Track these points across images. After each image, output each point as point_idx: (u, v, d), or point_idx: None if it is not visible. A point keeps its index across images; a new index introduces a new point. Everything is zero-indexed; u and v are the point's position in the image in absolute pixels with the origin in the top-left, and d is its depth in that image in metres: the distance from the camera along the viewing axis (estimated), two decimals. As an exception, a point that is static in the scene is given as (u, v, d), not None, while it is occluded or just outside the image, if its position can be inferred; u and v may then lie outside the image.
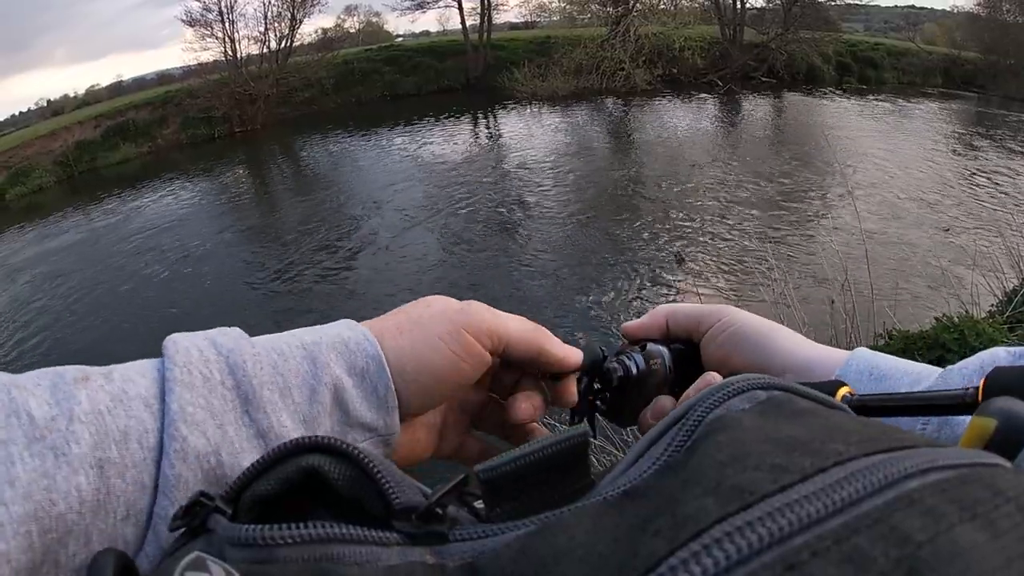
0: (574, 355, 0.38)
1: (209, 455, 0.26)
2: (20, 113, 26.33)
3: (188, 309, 6.91)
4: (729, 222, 7.78)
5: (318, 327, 0.34)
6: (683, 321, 0.46)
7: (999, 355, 0.35)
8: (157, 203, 11.88)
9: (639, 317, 0.48)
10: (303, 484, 0.23)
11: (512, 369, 0.39)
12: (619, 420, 0.43)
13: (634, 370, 0.42)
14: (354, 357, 0.32)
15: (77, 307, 7.38)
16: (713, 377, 0.38)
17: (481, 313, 0.35)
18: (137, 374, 0.28)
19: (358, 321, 0.35)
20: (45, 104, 26.19)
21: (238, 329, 0.32)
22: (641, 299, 5.92)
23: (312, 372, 0.30)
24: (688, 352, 0.45)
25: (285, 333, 0.33)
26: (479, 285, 6.50)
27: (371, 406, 0.32)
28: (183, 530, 0.22)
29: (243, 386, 0.28)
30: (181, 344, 0.29)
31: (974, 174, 9.92)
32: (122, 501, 0.24)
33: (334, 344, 0.32)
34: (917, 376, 0.37)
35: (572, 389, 0.40)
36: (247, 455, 0.27)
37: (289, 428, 0.29)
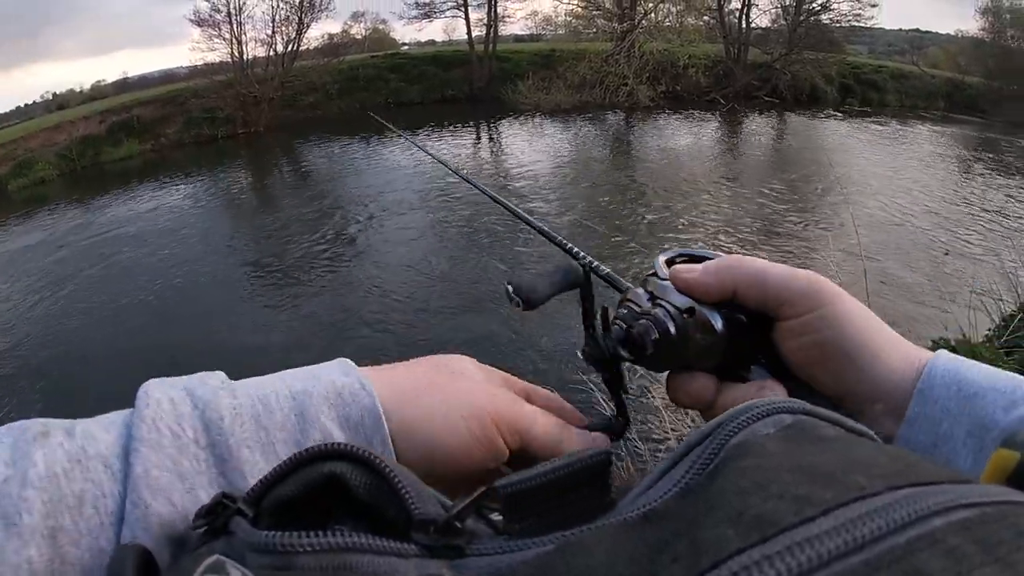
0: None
1: (176, 522, 0.25)
2: (26, 105, 26.35)
3: (179, 309, 6.90)
4: (728, 241, 7.82)
5: (311, 369, 0.32)
6: (759, 294, 0.35)
7: None
8: (158, 200, 11.90)
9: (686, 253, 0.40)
10: (324, 490, 0.23)
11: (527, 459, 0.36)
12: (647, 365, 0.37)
13: (672, 331, 0.35)
14: (348, 409, 0.30)
15: (67, 303, 7.36)
16: (771, 392, 0.35)
17: (511, 405, 0.34)
18: (101, 429, 0.26)
19: (363, 361, 0.33)
20: (51, 97, 26.23)
21: (221, 375, 0.30)
22: None
23: (299, 427, 0.29)
24: (753, 327, 0.36)
25: (273, 377, 0.31)
26: (472, 297, 6.48)
27: None
28: (205, 529, 0.22)
29: (219, 446, 0.27)
30: (153, 395, 0.27)
31: (974, 198, 9.98)
32: (78, 569, 0.23)
33: (326, 395, 0.30)
34: (1012, 397, 0.32)
35: None
36: None
37: None
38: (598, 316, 0.37)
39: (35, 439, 0.25)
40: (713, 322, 0.34)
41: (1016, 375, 0.34)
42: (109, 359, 5.86)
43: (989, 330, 3.42)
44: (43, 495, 0.23)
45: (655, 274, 0.38)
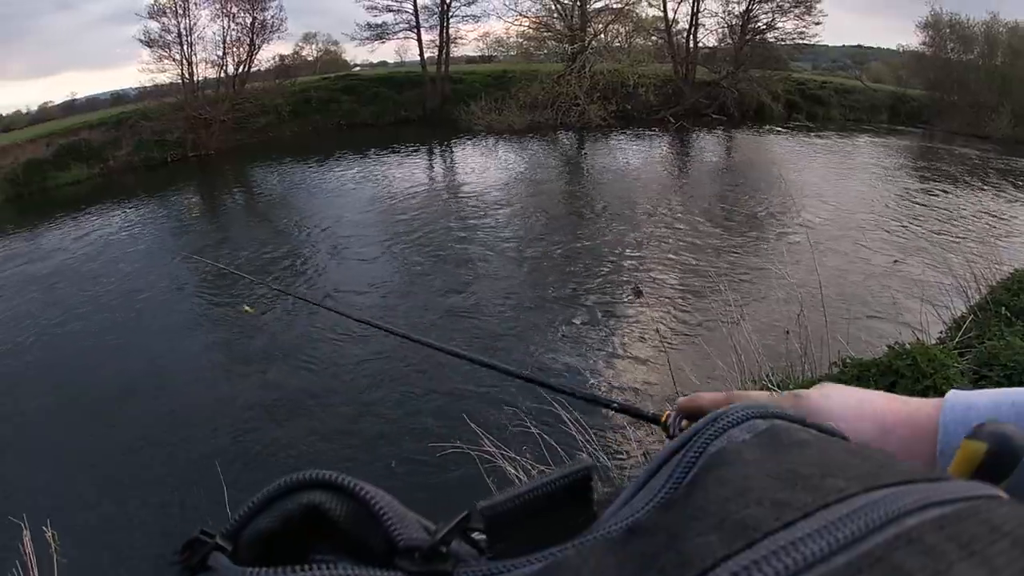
0: None
1: None
2: (-31, 127, 25.38)
3: (122, 337, 6.77)
4: (685, 256, 7.94)
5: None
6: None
7: None
8: (105, 227, 11.63)
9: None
10: (305, 520, 0.22)
11: None
12: None
13: None
14: None
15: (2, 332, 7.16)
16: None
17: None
18: None
19: None
20: (-4, 119, 25.32)
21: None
22: (599, 333, 5.93)
23: None
24: None
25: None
26: (428, 319, 6.44)
27: None
28: (182, 566, 0.22)
29: None
30: None
31: (920, 206, 10.39)
32: None
33: None
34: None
35: None
36: None
37: None
38: None
39: None
40: None
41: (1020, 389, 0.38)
42: (46, 389, 5.72)
43: (941, 332, 3.60)
44: None
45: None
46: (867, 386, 2.15)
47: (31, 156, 16.52)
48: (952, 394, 0.39)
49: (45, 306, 7.87)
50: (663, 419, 0.49)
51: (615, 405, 0.56)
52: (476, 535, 0.22)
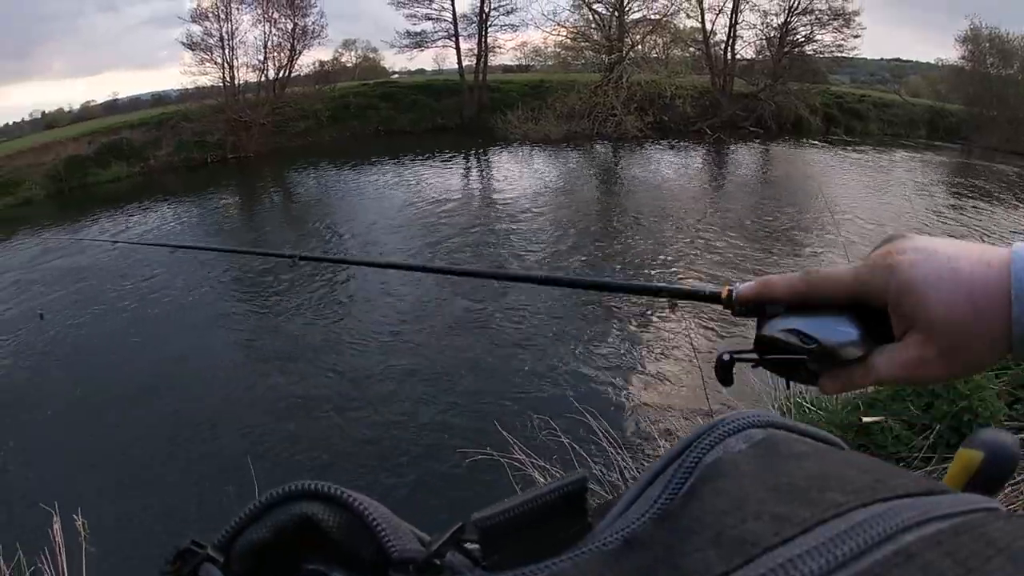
0: None
1: None
2: (14, 123, 26.10)
3: (157, 334, 6.92)
4: (720, 269, 7.92)
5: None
6: (832, 289, 0.39)
7: None
8: (144, 224, 11.89)
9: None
10: (297, 532, 0.22)
11: None
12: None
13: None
14: None
15: (42, 328, 7.33)
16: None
17: None
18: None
19: None
20: (40, 116, 26.03)
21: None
22: (635, 345, 5.93)
23: None
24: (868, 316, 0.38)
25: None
26: (461, 326, 6.49)
27: None
28: None
29: None
30: None
31: (958, 224, 10.22)
32: None
33: None
34: None
35: None
36: None
37: None
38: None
39: None
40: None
41: None
42: (85, 380, 5.89)
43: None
44: None
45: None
46: (902, 406, 2.04)
47: (73, 153, 16.93)
48: (1018, 246, 0.36)
49: (77, 301, 8.06)
50: (723, 295, 0.46)
51: (665, 291, 0.51)
52: (471, 546, 0.22)
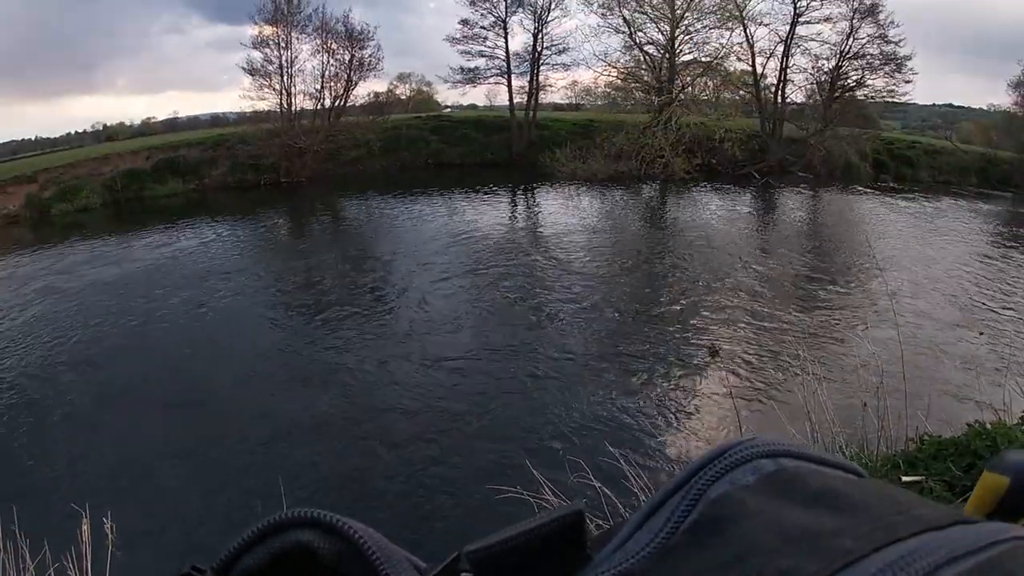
0: None
1: None
2: (75, 133, 27.37)
3: (206, 348, 7.10)
4: (763, 316, 7.76)
5: None
6: None
7: None
8: (196, 239, 12.26)
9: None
10: (293, 559, 0.22)
11: None
12: None
13: None
14: None
15: (96, 330, 7.60)
16: None
17: None
18: None
19: None
20: (100, 128, 27.22)
21: None
22: (674, 392, 5.85)
23: None
24: None
25: None
26: (501, 363, 6.49)
27: None
28: None
29: None
30: None
31: (1008, 277, 9.93)
32: None
33: None
34: None
35: None
36: None
37: None
38: None
39: None
40: None
41: None
42: (132, 388, 6.06)
43: (1024, 412, 3.44)
44: None
45: None
46: (943, 466, 1.93)
47: (131, 166, 17.65)
48: None
49: (123, 308, 8.30)
50: None
51: None
52: None
